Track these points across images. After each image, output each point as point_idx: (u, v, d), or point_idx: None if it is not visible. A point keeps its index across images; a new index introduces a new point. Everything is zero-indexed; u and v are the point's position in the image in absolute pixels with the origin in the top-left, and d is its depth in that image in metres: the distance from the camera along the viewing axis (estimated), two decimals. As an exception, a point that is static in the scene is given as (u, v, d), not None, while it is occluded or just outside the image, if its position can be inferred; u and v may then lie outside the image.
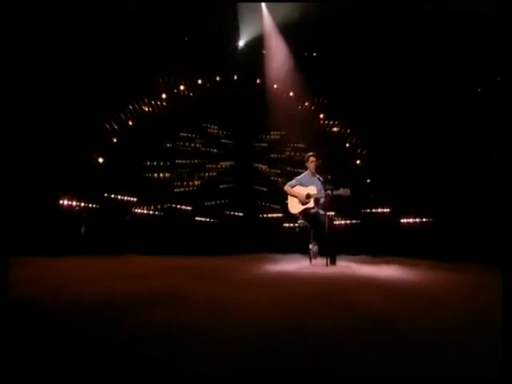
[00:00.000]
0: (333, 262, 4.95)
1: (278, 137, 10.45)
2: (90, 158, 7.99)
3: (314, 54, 10.25)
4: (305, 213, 5.36)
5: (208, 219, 9.02)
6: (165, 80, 9.07)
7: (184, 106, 9.34)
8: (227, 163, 9.73)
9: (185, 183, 9.29)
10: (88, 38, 7.52)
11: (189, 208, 8.76)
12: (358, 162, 10.50)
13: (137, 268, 4.07)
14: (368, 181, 9.95)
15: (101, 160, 8.18)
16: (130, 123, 8.69)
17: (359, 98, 9.67)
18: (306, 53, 10.13)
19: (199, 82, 9.50)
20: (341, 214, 9.41)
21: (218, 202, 9.30)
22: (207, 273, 3.87)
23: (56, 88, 7.15)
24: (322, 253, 5.22)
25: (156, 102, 9.06)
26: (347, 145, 10.45)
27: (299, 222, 5.49)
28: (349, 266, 4.91)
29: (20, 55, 6.49)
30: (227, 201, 9.38)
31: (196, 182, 9.33)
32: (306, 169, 5.66)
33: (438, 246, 6.66)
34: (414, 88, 8.45)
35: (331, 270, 4.55)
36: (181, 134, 9.58)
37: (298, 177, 5.64)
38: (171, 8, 7.93)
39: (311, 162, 5.52)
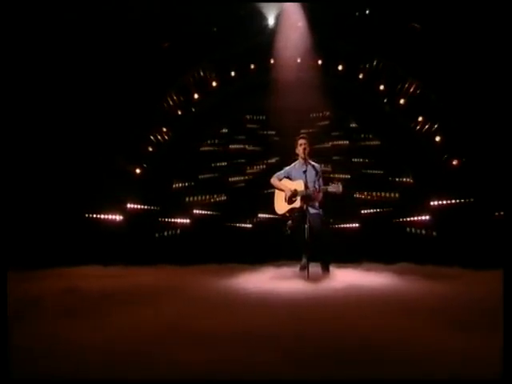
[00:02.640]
0: (325, 270, 4.13)
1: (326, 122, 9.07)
2: (127, 169, 8.14)
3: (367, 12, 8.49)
4: (291, 214, 4.33)
5: (243, 224, 8.34)
6: (196, 78, 8.66)
7: (219, 103, 8.80)
8: (272, 160, 8.81)
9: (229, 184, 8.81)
10: (117, 50, 7.61)
11: (217, 213, 8.23)
12: (437, 138, 8.35)
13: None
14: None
15: (138, 171, 8.29)
16: (164, 129, 8.58)
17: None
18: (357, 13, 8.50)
19: (232, 74, 8.80)
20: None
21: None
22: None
23: (86, 101, 7.39)
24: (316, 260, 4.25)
25: (189, 103, 8.75)
26: (419, 120, 8.39)
27: (288, 222, 4.47)
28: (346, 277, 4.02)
29: (55, 72, 6.91)
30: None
31: (237, 184, 8.73)
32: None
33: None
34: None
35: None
36: (220, 132, 9.07)
37: (288, 167, 4.58)
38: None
39: (301, 146, 4.40)
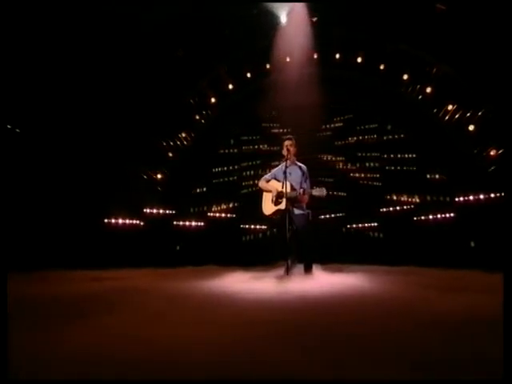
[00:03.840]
0: (308, 271, 4.09)
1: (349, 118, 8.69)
2: (148, 175, 8.49)
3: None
4: (277, 215, 4.31)
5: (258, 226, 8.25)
6: (212, 82, 8.79)
7: (236, 106, 8.85)
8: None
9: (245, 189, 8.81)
10: (136, 59, 7.94)
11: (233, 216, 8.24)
12: (470, 127, 7.61)
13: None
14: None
15: (159, 176, 8.61)
16: (183, 134, 8.82)
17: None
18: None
19: (248, 75, 8.79)
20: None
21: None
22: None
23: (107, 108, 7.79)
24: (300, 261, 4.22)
25: (207, 109, 8.91)
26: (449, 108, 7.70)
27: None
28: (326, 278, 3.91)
29: (80, 81, 7.36)
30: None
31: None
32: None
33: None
34: None
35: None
36: (236, 133, 9.11)
37: (275, 169, 4.56)
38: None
39: (287, 147, 4.34)
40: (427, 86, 7.91)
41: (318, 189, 4.05)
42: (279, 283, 3.64)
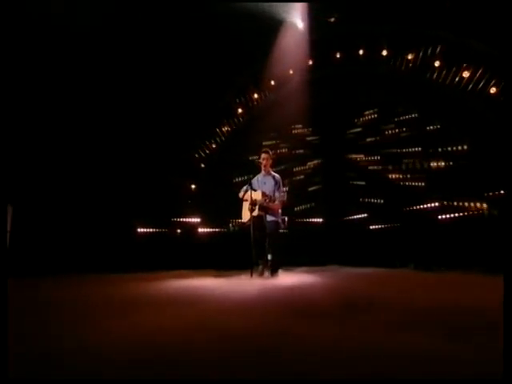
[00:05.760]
0: (273, 273, 4.43)
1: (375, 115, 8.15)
2: (183, 186, 8.99)
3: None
4: (250, 221, 4.65)
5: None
6: (239, 96, 9.06)
7: (263, 114, 8.95)
8: (314, 162, 8.42)
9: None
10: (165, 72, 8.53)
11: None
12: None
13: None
14: None
15: (193, 186, 9.06)
16: (214, 146, 9.18)
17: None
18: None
19: (272, 83, 8.87)
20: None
21: (303, 207, 8.12)
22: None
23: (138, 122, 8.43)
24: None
25: (234, 119, 9.17)
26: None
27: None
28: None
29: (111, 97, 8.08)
30: (313, 205, 8.04)
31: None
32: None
33: None
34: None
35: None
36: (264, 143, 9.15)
37: (253, 179, 4.98)
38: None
39: (262, 159, 4.88)
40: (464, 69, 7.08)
41: (281, 195, 4.51)
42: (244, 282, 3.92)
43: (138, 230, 7.91)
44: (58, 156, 7.28)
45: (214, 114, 9.21)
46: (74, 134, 7.40)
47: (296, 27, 8.11)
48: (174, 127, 8.69)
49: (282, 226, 4.69)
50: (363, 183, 7.82)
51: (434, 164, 7.51)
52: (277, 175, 4.85)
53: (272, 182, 4.74)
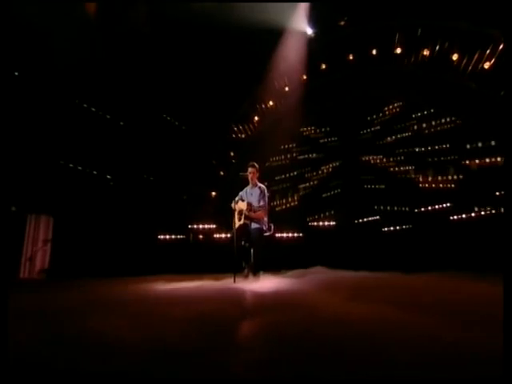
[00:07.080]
0: (255, 277, 4.68)
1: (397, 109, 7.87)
2: (205, 193, 9.30)
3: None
4: (240, 229, 5.01)
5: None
6: (254, 105, 9.23)
7: (278, 120, 9.03)
8: (330, 165, 8.29)
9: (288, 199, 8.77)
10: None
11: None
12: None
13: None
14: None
15: (214, 193, 9.32)
16: (232, 154, 9.40)
17: None
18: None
19: (286, 89, 8.94)
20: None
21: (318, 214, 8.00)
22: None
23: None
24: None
25: (250, 126, 9.33)
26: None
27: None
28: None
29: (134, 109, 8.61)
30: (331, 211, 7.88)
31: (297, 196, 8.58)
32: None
33: None
34: None
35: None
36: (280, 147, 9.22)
37: (242, 191, 5.33)
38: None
39: (249, 173, 5.17)
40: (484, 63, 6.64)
41: (261, 204, 4.87)
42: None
43: (159, 236, 8.29)
44: (92, 170, 7.97)
45: (232, 121, 9.47)
46: (106, 151, 8.04)
47: (306, 34, 8.16)
48: (195, 137, 9.11)
49: (268, 232, 4.98)
50: (383, 186, 7.57)
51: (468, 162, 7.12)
52: (262, 186, 5.19)
53: (257, 192, 5.06)
